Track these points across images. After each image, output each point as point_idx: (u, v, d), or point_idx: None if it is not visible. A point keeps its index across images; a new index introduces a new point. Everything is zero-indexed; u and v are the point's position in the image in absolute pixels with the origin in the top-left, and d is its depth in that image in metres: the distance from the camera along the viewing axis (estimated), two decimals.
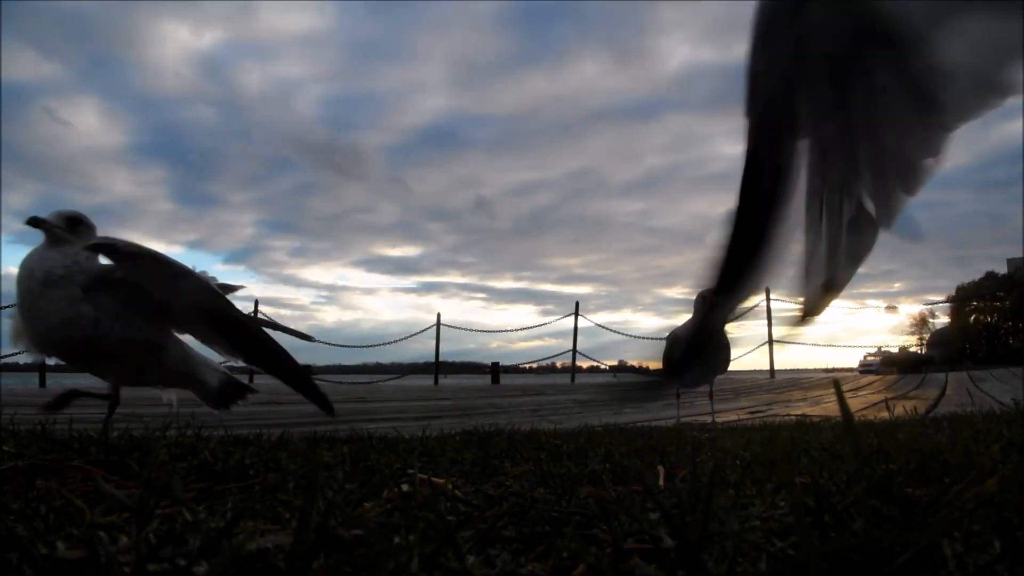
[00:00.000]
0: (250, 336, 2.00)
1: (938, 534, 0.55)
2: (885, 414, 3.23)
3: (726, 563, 0.56)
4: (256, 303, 13.57)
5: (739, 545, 0.59)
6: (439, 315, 14.30)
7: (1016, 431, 1.60)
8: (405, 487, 0.95)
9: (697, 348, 1.62)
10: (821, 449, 1.47)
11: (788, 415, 4.23)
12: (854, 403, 5.60)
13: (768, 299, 14.36)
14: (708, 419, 4.24)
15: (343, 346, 15.03)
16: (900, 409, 3.60)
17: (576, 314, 14.13)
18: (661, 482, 1.06)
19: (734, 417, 4.35)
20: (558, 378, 18.94)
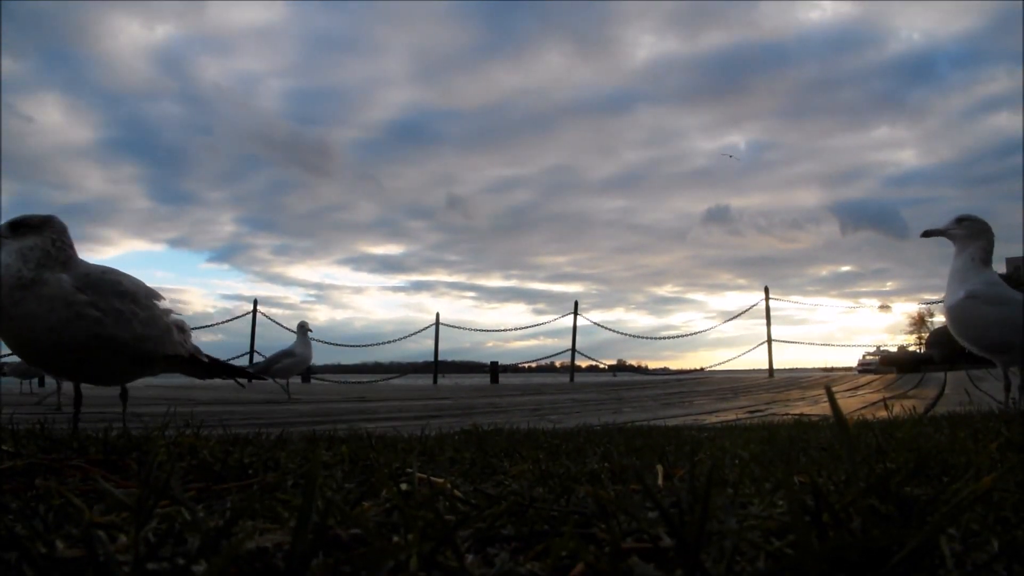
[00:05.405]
0: None
1: (934, 532, 0.56)
2: (884, 413, 3.23)
3: (724, 562, 0.56)
4: (255, 303, 13.60)
5: (737, 544, 0.59)
6: (438, 315, 14.33)
7: (1015, 430, 1.60)
8: (404, 486, 0.95)
9: None
10: (819, 448, 1.47)
11: (787, 414, 4.23)
12: (853, 402, 5.60)
13: (767, 298, 14.38)
14: (708, 419, 4.25)
15: (342, 345, 15.06)
16: (899, 408, 3.60)
17: (575, 313, 14.13)
18: (660, 481, 1.06)
19: (733, 416, 4.35)
20: (556, 377, 18.96)
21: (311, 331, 7.01)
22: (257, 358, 13.17)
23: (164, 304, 2.44)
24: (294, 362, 6.64)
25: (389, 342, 15.09)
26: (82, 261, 2.28)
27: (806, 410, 4.71)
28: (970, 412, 2.78)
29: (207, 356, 2.58)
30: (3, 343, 2.17)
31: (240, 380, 2.83)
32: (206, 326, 14.34)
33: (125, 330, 2.18)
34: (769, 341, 14.00)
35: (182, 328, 2.51)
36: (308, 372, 13.84)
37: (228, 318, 14.24)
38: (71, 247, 2.25)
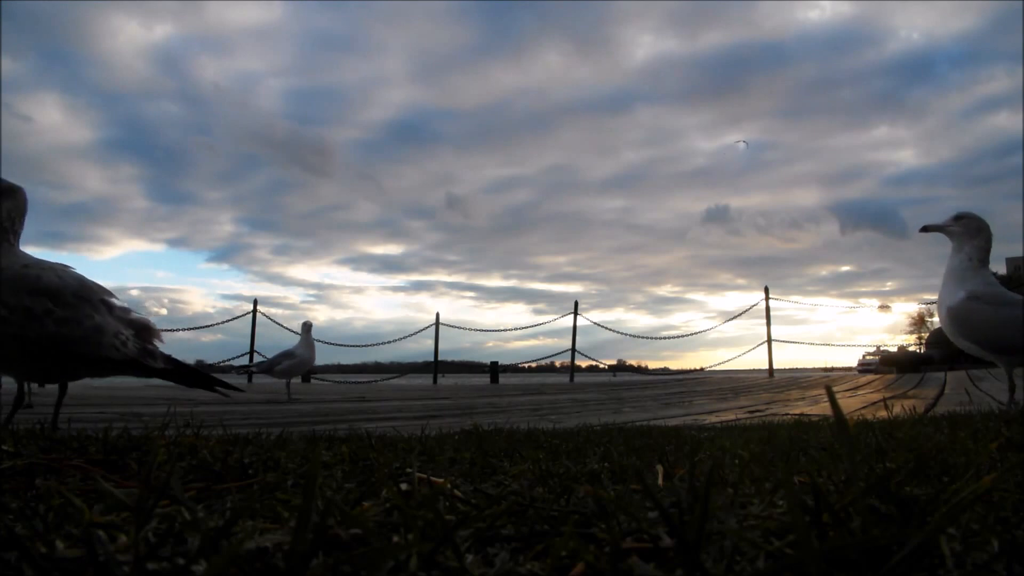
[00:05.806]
0: None
1: (935, 532, 0.56)
2: (884, 413, 3.23)
3: (724, 562, 0.56)
4: (255, 303, 13.60)
5: (737, 544, 0.59)
6: (438, 315, 14.35)
7: (1015, 430, 1.60)
8: (404, 486, 0.95)
9: None
10: (819, 448, 1.47)
11: (787, 414, 4.23)
12: (853, 402, 5.60)
13: (767, 298, 14.37)
14: (708, 419, 4.25)
15: (342, 345, 15.06)
16: (899, 408, 3.60)
17: (575, 313, 14.14)
18: (660, 481, 1.06)
19: (732, 416, 4.35)
20: (556, 377, 18.96)
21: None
22: (257, 358, 13.18)
23: (119, 302, 2.28)
24: (296, 363, 6.64)
25: (389, 342, 15.12)
26: (17, 252, 2.17)
27: (806, 410, 4.71)
28: (970, 412, 2.78)
29: (166, 363, 2.34)
30: None
31: (220, 390, 2.53)
32: (206, 326, 14.36)
33: (34, 329, 2.06)
34: (769, 341, 14.01)
35: (147, 329, 2.33)
36: (308, 372, 13.85)
37: (228, 318, 14.25)
38: (12, 232, 2.15)
